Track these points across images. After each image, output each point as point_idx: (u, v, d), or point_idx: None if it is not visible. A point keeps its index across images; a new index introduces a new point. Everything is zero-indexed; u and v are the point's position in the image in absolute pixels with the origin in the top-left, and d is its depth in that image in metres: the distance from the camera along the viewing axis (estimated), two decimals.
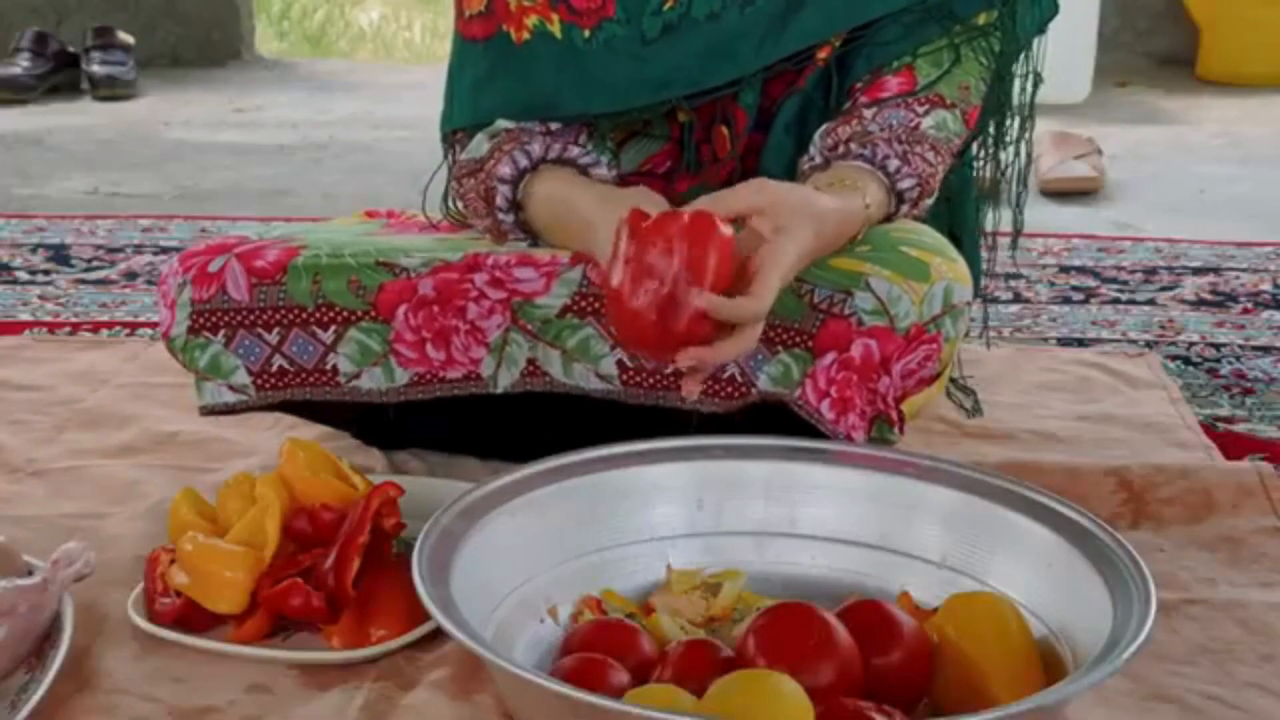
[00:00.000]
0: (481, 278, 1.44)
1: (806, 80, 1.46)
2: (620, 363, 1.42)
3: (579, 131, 1.48)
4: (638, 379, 1.43)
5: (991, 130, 1.55)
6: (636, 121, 1.52)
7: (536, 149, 1.44)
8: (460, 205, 1.53)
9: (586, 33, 1.46)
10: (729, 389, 1.39)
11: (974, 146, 1.56)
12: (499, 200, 1.44)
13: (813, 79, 1.46)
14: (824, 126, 1.43)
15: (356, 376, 1.48)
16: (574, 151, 1.44)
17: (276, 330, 1.47)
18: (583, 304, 1.42)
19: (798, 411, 1.35)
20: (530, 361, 1.45)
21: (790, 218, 1.26)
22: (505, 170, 1.43)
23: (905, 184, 1.38)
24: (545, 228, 1.44)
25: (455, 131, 1.54)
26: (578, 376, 1.44)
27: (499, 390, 1.47)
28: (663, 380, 1.42)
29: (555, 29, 1.46)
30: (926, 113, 1.42)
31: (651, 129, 1.52)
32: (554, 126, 1.47)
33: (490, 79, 1.50)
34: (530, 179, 1.43)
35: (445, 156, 1.56)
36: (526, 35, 1.47)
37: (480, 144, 1.48)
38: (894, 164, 1.37)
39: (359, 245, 1.48)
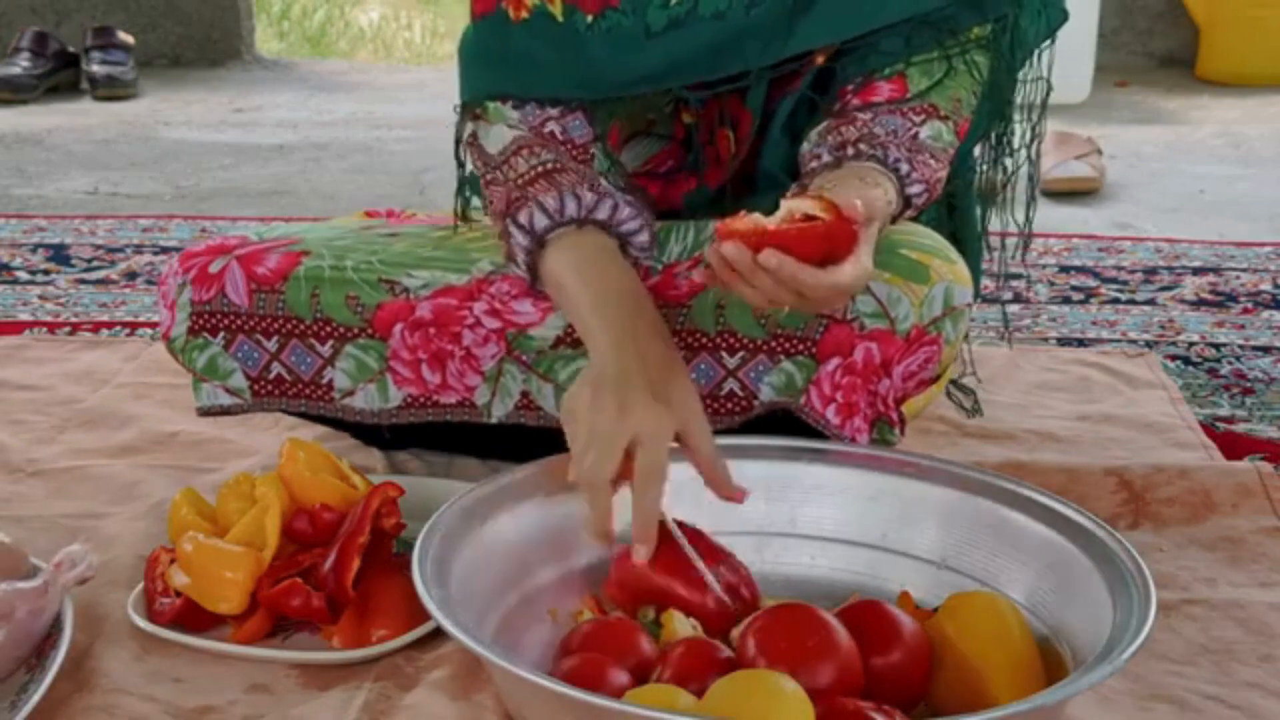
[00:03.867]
0: (480, 306, 1.43)
1: (803, 81, 1.46)
2: None
3: (590, 133, 1.47)
4: None
5: (998, 136, 1.55)
6: (641, 120, 1.51)
7: (588, 198, 1.36)
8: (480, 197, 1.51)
9: (589, 18, 1.45)
10: (730, 405, 1.39)
11: (979, 151, 1.56)
12: (523, 217, 1.37)
13: (808, 79, 1.46)
14: (823, 125, 1.42)
15: (351, 394, 1.48)
16: (623, 214, 1.37)
17: (276, 338, 1.47)
18: (576, 335, 1.40)
19: (803, 418, 1.35)
20: (524, 394, 1.44)
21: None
22: (551, 203, 1.36)
23: (914, 189, 1.37)
24: (544, 279, 1.38)
25: (465, 105, 1.51)
26: None
27: (493, 420, 1.46)
28: None
29: (556, 11, 1.45)
30: (923, 122, 1.41)
31: (656, 128, 1.52)
32: (571, 131, 1.46)
33: (485, 55, 1.49)
34: (557, 239, 1.36)
35: (458, 130, 1.52)
36: (525, 14, 1.46)
37: (501, 134, 1.44)
38: (904, 168, 1.37)
39: (361, 256, 1.47)
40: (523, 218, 1.37)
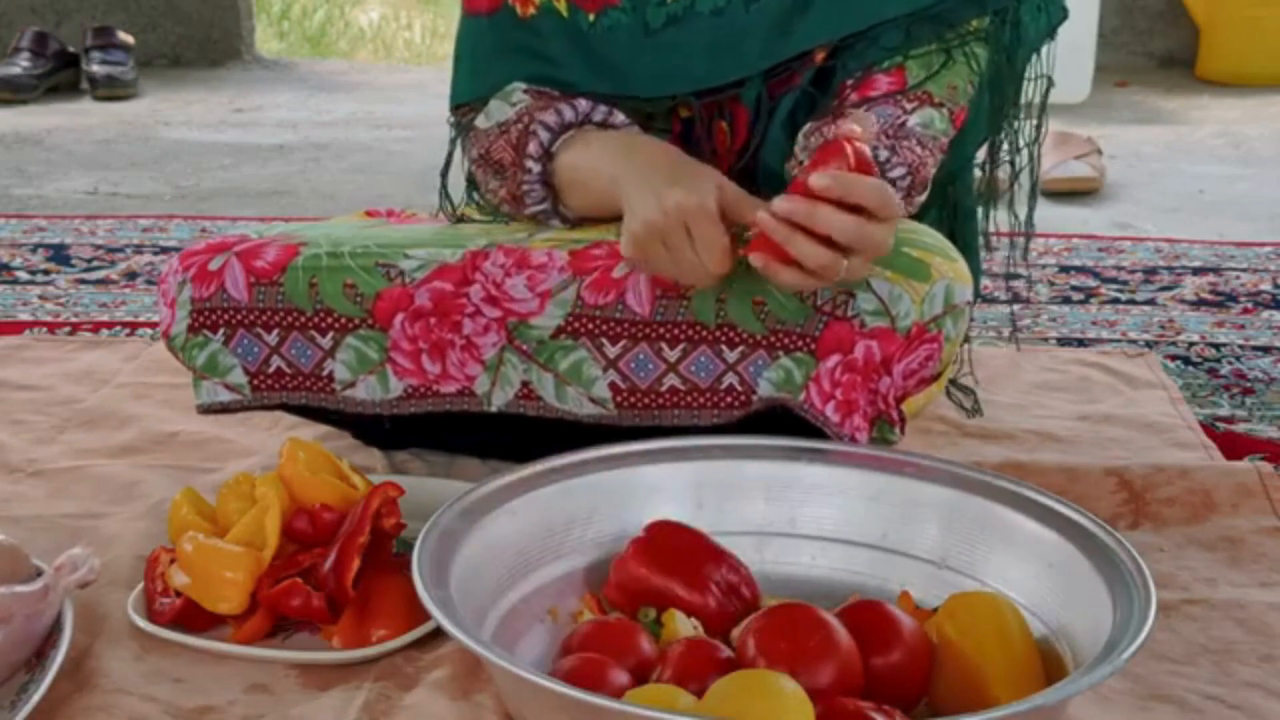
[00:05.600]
0: (477, 292, 1.43)
1: (802, 78, 1.46)
2: (614, 385, 1.41)
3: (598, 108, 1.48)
4: (632, 400, 1.42)
5: (1002, 134, 1.55)
6: (639, 114, 1.51)
7: (583, 104, 1.44)
8: (477, 173, 1.52)
9: (591, 17, 1.46)
10: (729, 399, 1.39)
11: (982, 150, 1.56)
12: (532, 146, 1.43)
13: (808, 76, 1.46)
14: (807, 126, 1.43)
15: (351, 385, 1.48)
16: (619, 118, 1.44)
17: (276, 331, 1.47)
18: (576, 325, 1.41)
19: (802, 415, 1.35)
20: (524, 384, 1.44)
21: None
22: (550, 118, 1.43)
23: (896, 173, 1.39)
24: (563, 185, 1.44)
25: (459, 107, 1.54)
26: (570, 402, 1.43)
27: (493, 409, 1.46)
28: (658, 399, 1.41)
29: (561, 7, 1.47)
30: (914, 110, 1.42)
31: (653, 122, 1.52)
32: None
33: (497, 51, 1.50)
34: (574, 134, 1.43)
35: (452, 134, 1.55)
36: (533, 10, 1.48)
37: (501, 108, 1.47)
38: (883, 154, 1.38)
39: (358, 241, 1.48)
40: (531, 148, 1.43)
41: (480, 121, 1.49)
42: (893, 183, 1.39)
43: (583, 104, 1.44)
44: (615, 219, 1.38)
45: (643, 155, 1.38)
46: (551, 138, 1.43)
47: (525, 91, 1.48)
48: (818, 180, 1.20)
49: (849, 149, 1.22)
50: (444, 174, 1.58)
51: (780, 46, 1.44)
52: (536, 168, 1.44)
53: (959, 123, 1.46)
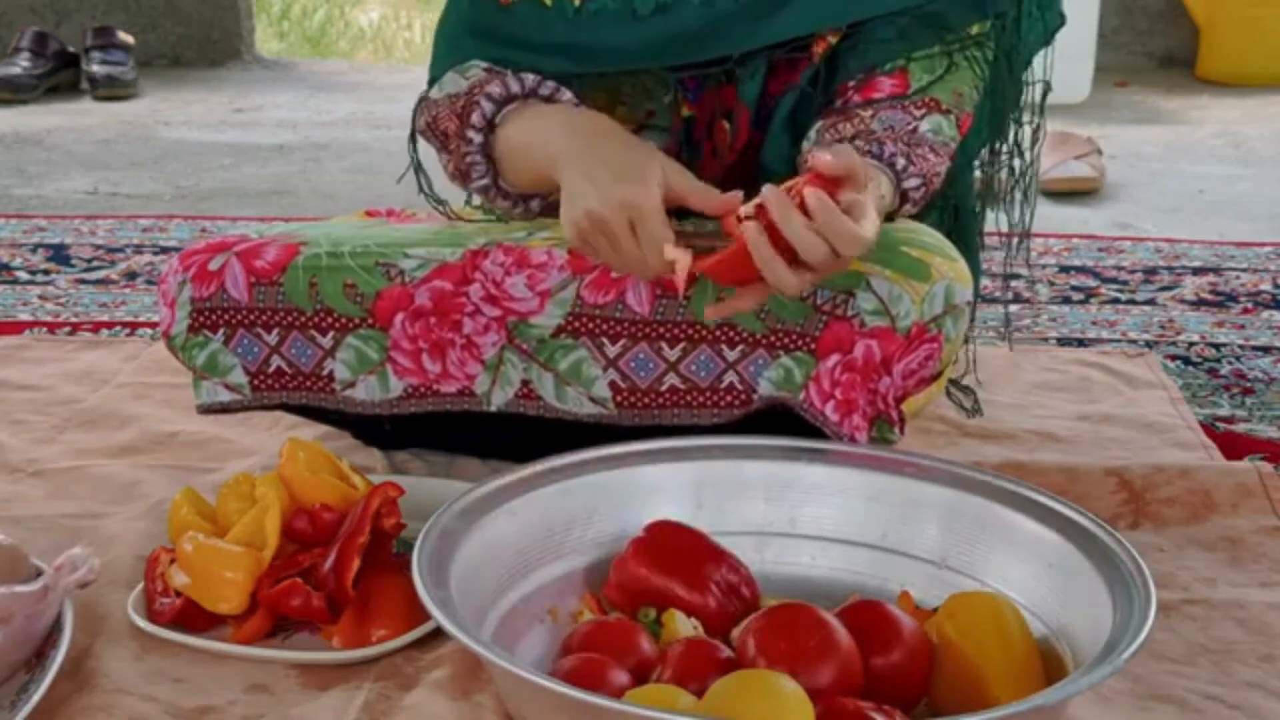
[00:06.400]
0: (477, 291, 1.43)
1: (802, 77, 1.46)
2: (614, 384, 1.41)
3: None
4: (632, 399, 1.42)
5: (1001, 137, 1.55)
6: (640, 112, 1.51)
7: (530, 79, 1.42)
8: (423, 138, 1.52)
9: (577, 3, 1.46)
10: (729, 398, 1.39)
11: (982, 152, 1.56)
12: (475, 117, 1.42)
13: (808, 75, 1.46)
14: (822, 123, 1.43)
15: (351, 385, 1.48)
16: (566, 95, 1.42)
17: (276, 331, 1.47)
18: (576, 324, 1.41)
19: (801, 414, 1.35)
20: (524, 383, 1.44)
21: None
22: (496, 90, 1.41)
23: (911, 183, 1.38)
24: (503, 157, 1.42)
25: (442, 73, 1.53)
26: (570, 401, 1.43)
27: (492, 409, 1.46)
28: (659, 399, 1.41)
29: None
30: (923, 116, 1.42)
31: (655, 120, 1.52)
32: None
33: (471, 32, 1.50)
34: (517, 106, 1.41)
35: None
36: None
37: (455, 80, 1.47)
38: (901, 162, 1.37)
39: (358, 241, 1.48)
40: (474, 118, 1.42)
41: (434, 92, 1.49)
42: (905, 194, 1.38)
43: (530, 78, 1.42)
44: (554, 193, 1.37)
45: (586, 133, 1.35)
46: (495, 109, 1.41)
47: (485, 69, 1.47)
48: (809, 196, 1.17)
49: (797, 186, 1.19)
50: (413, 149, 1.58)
51: (767, 30, 1.43)
52: (479, 138, 1.42)
53: (965, 129, 1.46)
